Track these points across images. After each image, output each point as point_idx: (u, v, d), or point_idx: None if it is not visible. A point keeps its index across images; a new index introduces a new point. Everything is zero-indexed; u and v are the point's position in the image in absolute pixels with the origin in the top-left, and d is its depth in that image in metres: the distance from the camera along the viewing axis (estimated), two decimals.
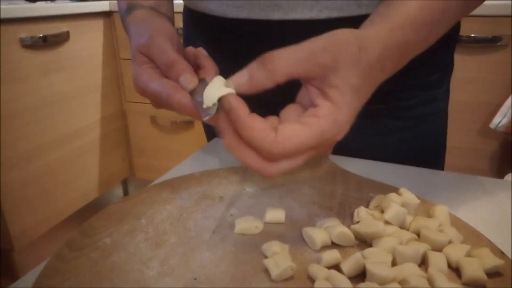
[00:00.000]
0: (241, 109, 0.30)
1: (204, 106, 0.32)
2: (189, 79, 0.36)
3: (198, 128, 1.62)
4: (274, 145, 0.29)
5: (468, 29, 1.22)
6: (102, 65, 1.69)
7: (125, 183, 2.04)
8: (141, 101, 1.74)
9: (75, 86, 1.57)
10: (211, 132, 0.67)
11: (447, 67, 0.54)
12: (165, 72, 0.38)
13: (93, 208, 1.73)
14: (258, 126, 0.30)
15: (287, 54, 0.30)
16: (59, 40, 1.47)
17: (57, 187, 1.54)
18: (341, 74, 0.30)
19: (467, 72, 1.26)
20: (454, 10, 0.36)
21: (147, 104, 1.69)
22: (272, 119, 0.33)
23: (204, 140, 0.70)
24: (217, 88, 0.32)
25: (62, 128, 1.53)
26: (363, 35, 0.32)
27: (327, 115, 0.30)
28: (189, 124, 1.65)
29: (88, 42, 1.62)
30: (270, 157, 0.30)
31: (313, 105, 0.32)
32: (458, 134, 1.30)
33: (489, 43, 1.21)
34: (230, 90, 0.31)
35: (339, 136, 0.31)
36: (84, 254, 0.33)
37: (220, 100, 0.31)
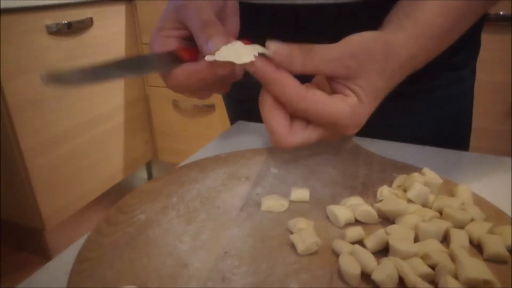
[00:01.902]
0: (269, 64, 0.32)
1: (216, 58, 0.33)
2: (216, 45, 0.33)
3: (220, 111, 1.64)
4: (302, 101, 0.32)
5: (496, 7, 1.18)
6: (124, 50, 1.72)
7: (149, 166, 2.09)
8: (164, 86, 1.76)
9: None
10: (234, 115, 0.68)
11: (474, 47, 0.53)
12: (196, 33, 0.36)
13: (119, 190, 1.79)
14: (287, 80, 0.32)
15: (323, 51, 0.32)
16: (83, 26, 1.50)
17: (84, 170, 1.60)
18: (366, 78, 0.33)
19: (493, 52, 1.23)
20: (476, 10, 0.38)
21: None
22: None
23: (225, 123, 0.71)
24: (235, 51, 0.33)
25: (88, 113, 1.58)
26: (391, 42, 0.34)
27: (352, 105, 0.32)
28: (210, 108, 1.67)
29: (111, 28, 1.64)
30: (294, 109, 0.32)
31: (340, 93, 0.33)
32: (483, 115, 1.28)
33: None
34: (248, 57, 0.32)
35: (353, 130, 0.34)
36: (120, 230, 0.36)
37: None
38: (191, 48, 0.39)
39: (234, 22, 0.43)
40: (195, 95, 0.41)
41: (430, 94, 0.52)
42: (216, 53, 0.32)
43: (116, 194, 1.74)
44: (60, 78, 0.31)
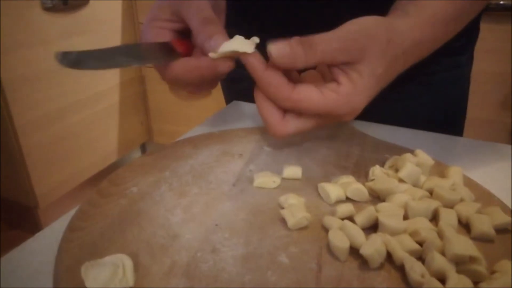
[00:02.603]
0: (258, 62, 0.32)
1: (214, 55, 0.34)
2: (218, 44, 0.34)
3: (216, 93, 1.62)
4: (287, 101, 0.32)
5: None
6: (121, 29, 1.70)
7: (143, 148, 2.09)
8: None
9: None
10: (229, 95, 0.68)
11: (473, 33, 0.53)
12: (196, 29, 0.36)
13: (113, 171, 1.78)
14: (274, 80, 0.32)
15: (324, 43, 0.32)
16: (79, 3, 1.47)
17: (78, 149, 1.59)
18: (366, 63, 0.32)
19: (492, 41, 1.23)
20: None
21: None
22: (294, 73, 0.34)
23: (221, 105, 0.71)
24: (237, 43, 0.33)
25: (83, 92, 1.57)
26: (394, 27, 0.33)
27: (345, 94, 0.32)
28: None
29: (107, 6, 1.62)
30: (283, 107, 0.33)
31: (335, 80, 0.33)
32: (479, 105, 1.28)
33: None
34: (249, 48, 0.33)
35: (349, 117, 0.34)
36: (112, 201, 0.36)
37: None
38: (186, 41, 0.39)
39: (222, 20, 0.43)
40: (186, 90, 0.41)
41: (428, 78, 0.52)
42: (220, 47, 0.34)
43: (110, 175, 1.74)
44: (75, 61, 0.31)
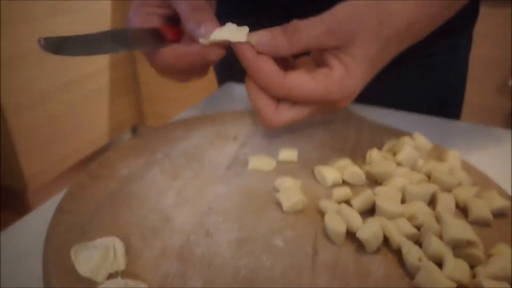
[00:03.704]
0: (248, 50, 0.31)
1: (204, 41, 0.33)
2: (209, 31, 0.33)
3: (209, 75, 1.60)
4: (279, 89, 0.31)
5: None
6: (111, 8, 1.65)
7: (134, 130, 2.06)
8: None
9: (83, 29, 1.54)
10: (222, 77, 0.66)
11: (471, 14, 0.52)
12: (186, 16, 0.35)
13: (103, 153, 1.76)
14: (265, 68, 0.31)
15: (309, 28, 0.31)
16: None
17: (67, 131, 1.56)
18: (358, 45, 0.31)
19: (489, 26, 1.22)
20: None
21: None
22: (287, 60, 0.33)
23: (214, 87, 0.70)
24: (229, 31, 0.32)
25: (71, 73, 1.53)
26: (386, 7, 0.31)
27: (338, 78, 0.31)
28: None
29: None
30: (276, 96, 0.32)
31: (327, 65, 0.32)
32: (476, 90, 1.28)
33: None
34: (241, 36, 0.32)
35: (345, 102, 0.33)
36: (103, 183, 0.35)
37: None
38: (175, 27, 0.38)
39: (212, 6, 0.41)
40: (176, 77, 0.40)
41: (426, 61, 0.51)
42: (212, 35, 0.33)
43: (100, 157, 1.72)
44: (59, 47, 0.30)
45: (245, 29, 0.32)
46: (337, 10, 0.31)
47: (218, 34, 0.33)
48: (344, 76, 0.31)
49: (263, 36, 0.31)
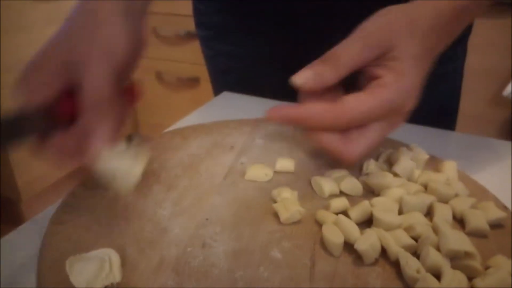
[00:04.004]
0: (291, 111, 0.31)
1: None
2: (99, 148, 0.28)
3: (205, 84, 1.61)
4: (341, 118, 0.30)
5: None
6: None
7: (129, 140, 2.05)
8: (147, 56, 1.72)
9: None
10: (219, 87, 0.67)
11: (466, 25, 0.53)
12: (85, 107, 0.28)
13: None
14: (317, 109, 0.30)
15: (346, 50, 0.31)
16: None
17: None
18: (398, 48, 0.31)
19: (482, 36, 1.23)
20: None
21: (154, 59, 1.69)
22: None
23: (210, 97, 0.70)
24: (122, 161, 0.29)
25: None
26: (411, 7, 0.32)
27: (391, 83, 0.31)
28: (195, 81, 1.64)
29: None
30: (341, 128, 0.31)
31: (375, 77, 0.32)
32: (470, 101, 1.28)
33: (510, 6, 1.16)
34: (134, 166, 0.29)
35: (409, 104, 0.32)
36: (98, 194, 0.34)
37: None
38: (73, 97, 0.29)
39: (141, 24, 0.34)
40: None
41: None
42: (101, 161, 0.28)
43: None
44: None
45: (144, 154, 0.29)
46: (366, 24, 0.31)
47: (108, 162, 0.28)
48: (397, 79, 0.31)
49: (306, 74, 0.31)
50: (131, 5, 0.32)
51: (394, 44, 0.31)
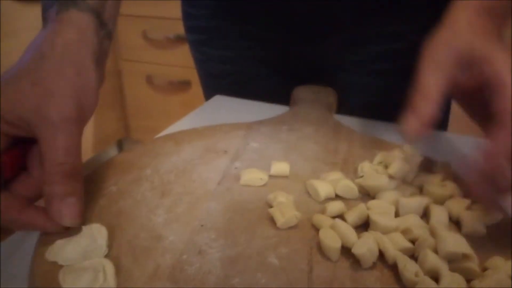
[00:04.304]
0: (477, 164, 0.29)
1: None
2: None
3: (196, 88, 1.60)
4: (494, 157, 0.28)
5: None
6: None
7: (120, 144, 2.04)
8: (137, 60, 1.71)
9: None
10: (210, 90, 0.66)
11: None
12: (47, 170, 0.27)
13: (88, 168, 1.73)
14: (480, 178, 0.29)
15: (428, 71, 0.32)
16: None
17: None
18: (475, 42, 0.32)
19: None
20: None
21: (144, 63, 1.68)
22: None
23: (202, 101, 0.69)
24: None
25: None
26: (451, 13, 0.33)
27: (502, 66, 0.30)
28: (186, 85, 1.63)
29: None
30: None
31: (491, 79, 0.31)
32: None
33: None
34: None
35: None
36: (91, 200, 0.34)
37: None
38: (14, 150, 0.29)
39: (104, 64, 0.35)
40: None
41: (414, 72, 0.52)
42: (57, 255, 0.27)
43: (85, 172, 1.69)
44: None
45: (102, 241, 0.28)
46: (434, 36, 0.33)
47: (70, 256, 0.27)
48: (505, 56, 0.30)
49: (408, 121, 0.32)
50: (103, 46, 0.31)
51: (475, 46, 0.31)
